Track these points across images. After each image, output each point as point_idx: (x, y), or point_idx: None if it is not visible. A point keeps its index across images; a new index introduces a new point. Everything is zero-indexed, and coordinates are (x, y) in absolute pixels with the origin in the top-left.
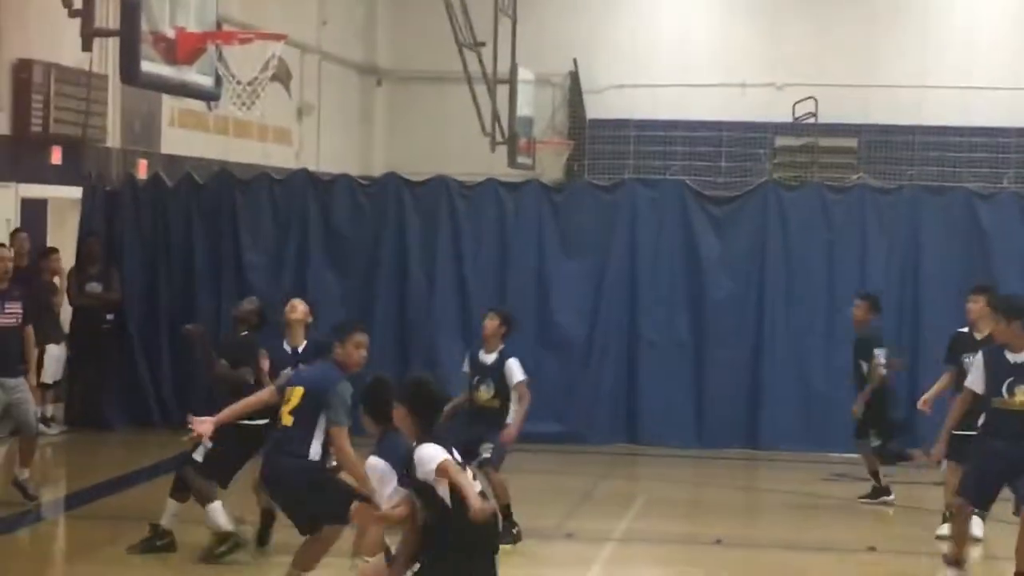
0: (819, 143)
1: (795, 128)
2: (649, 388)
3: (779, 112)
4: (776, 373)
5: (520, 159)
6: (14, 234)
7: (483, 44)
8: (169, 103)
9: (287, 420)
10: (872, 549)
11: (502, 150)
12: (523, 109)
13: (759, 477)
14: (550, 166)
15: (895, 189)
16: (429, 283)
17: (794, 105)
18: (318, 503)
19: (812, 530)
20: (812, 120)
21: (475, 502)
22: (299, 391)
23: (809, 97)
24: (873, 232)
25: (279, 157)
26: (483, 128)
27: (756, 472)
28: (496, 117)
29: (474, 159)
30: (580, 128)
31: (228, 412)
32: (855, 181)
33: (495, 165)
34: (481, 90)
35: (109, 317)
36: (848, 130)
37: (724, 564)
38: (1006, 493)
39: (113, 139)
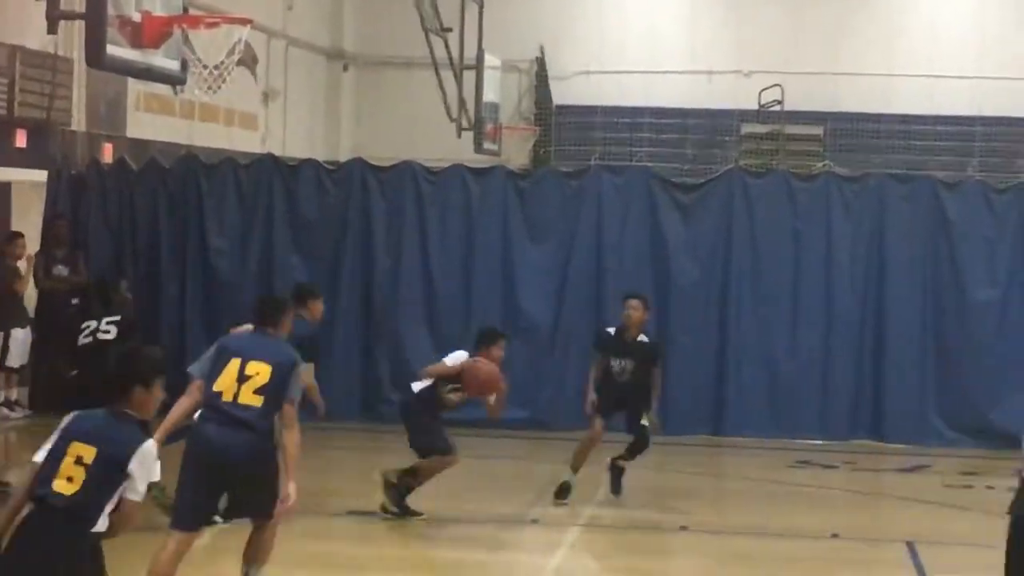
0: (785, 131)
1: (761, 115)
2: None
3: (745, 99)
4: (741, 360)
5: (486, 145)
6: None
7: (450, 30)
8: (135, 87)
9: (253, 400)
10: (836, 536)
11: (468, 136)
12: (489, 95)
13: (724, 463)
14: (516, 152)
15: (861, 177)
16: (395, 268)
17: (760, 92)
18: (272, 488)
19: (777, 516)
20: (778, 107)
21: None
22: (266, 368)
23: (775, 85)
24: (839, 220)
25: (245, 142)
26: (449, 114)
27: (721, 459)
28: (462, 103)
29: (441, 145)
30: (546, 114)
31: (168, 423)
32: (821, 169)
33: (461, 151)
34: (447, 76)
35: (74, 301)
36: (814, 118)
37: (689, 550)
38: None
39: (78, 123)
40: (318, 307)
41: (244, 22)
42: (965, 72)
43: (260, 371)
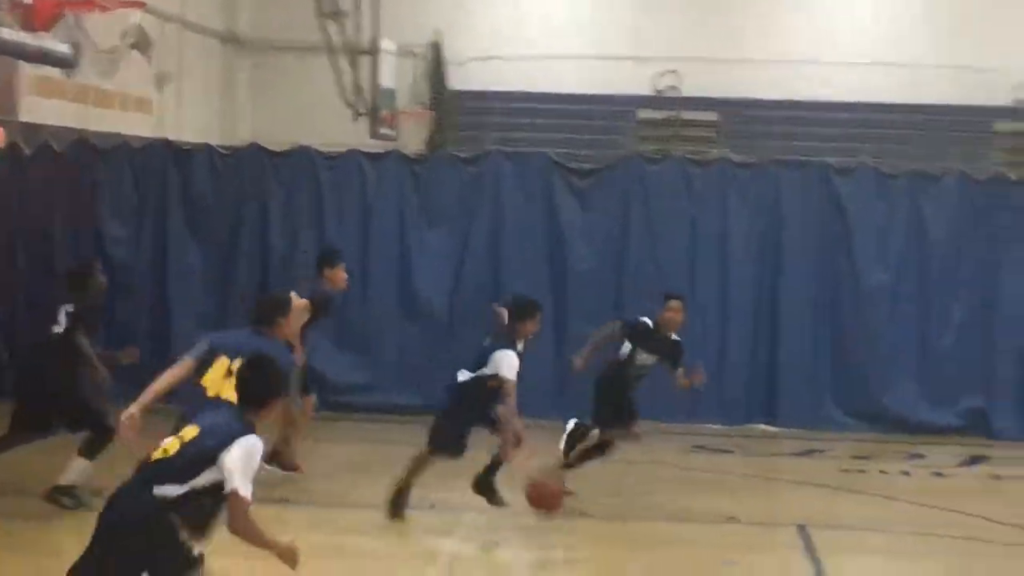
0: (681, 116)
1: (657, 101)
2: None
3: (642, 85)
4: None
5: (383, 130)
6: None
7: (345, 14)
8: (27, 70)
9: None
10: (731, 519)
11: (365, 121)
12: (385, 80)
13: (623, 448)
14: (413, 137)
15: (756, 163)
16: (291, 253)
17: (656, 78)
18: None
19: (673, 501)
20: (675, 94)
21: None
22: None
23: (672, 71)
24: (734, 206)
25: (139, 126)
26: (345, 99)
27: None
28: (358, 88)
29: (337, 130)
30: (443, 100)
31: (150, 392)
32: (716, 155)
33: (358, 136)
34: (343, 61)
35: None
36: (710, 104)
37: (588, 535)
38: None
39: None
40: (336, 275)
41: (137, 5)
42: (858, 59)
43: None
